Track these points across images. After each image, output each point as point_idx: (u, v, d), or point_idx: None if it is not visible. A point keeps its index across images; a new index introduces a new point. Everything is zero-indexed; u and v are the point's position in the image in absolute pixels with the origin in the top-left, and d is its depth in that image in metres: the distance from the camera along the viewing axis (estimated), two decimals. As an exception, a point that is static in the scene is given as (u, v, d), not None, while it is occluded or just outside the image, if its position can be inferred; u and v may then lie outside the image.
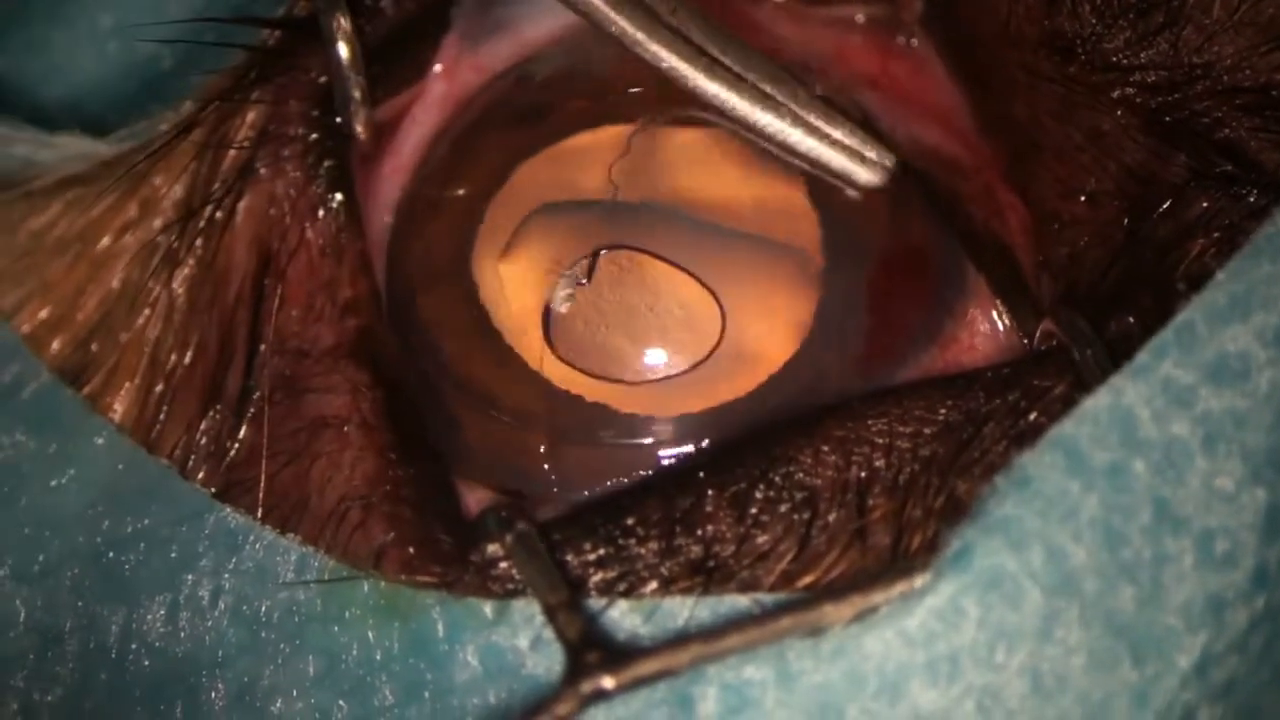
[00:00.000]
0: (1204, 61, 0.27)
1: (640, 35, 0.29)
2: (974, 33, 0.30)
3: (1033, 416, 0.27)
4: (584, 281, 0.30)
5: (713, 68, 0.29)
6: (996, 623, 0.24)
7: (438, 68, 0.32)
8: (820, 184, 0.30)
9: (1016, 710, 0.24)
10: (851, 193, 0.30)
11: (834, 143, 0.29)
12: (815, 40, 0.32)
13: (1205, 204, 0.27)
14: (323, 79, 0.30)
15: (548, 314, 0.30)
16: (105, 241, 0.30)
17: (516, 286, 0.30)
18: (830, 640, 0.25)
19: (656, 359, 0.30)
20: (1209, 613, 0.24)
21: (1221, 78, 0.27)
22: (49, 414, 0.29)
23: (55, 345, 0.30)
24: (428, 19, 0.31)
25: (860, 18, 0.32)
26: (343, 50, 0.29)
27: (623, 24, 0.29)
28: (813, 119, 0.29)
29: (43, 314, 0.30)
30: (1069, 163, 0.29)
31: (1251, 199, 0.27)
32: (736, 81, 0.29)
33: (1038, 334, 0.28)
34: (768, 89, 0.29)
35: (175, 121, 0.30)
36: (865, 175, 0.30)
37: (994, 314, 0.30)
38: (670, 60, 0.29)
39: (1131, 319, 0.27)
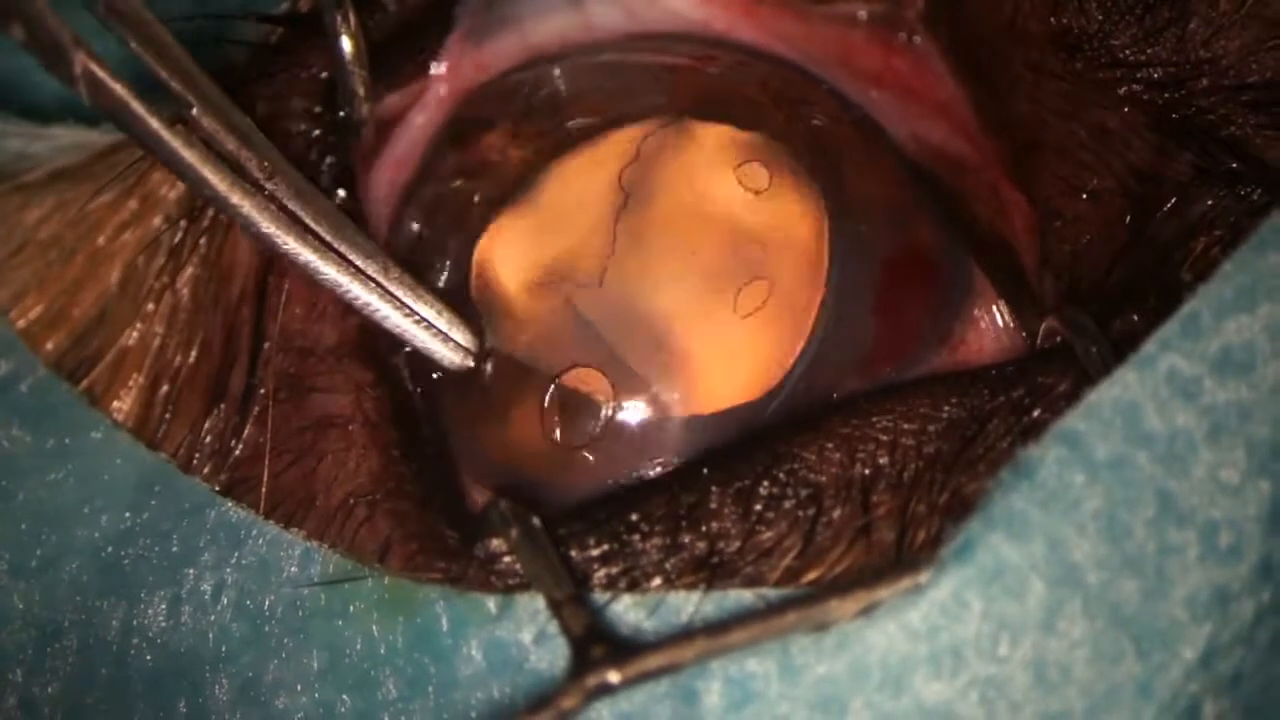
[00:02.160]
0: (1210, 56, 0.28)
1: (231, 197, 0.28)
2: (977, 29, 0.31)
3: (1037, 413, 0.28)
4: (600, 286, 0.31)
5: (304, 235, 0.29)
6: (1000, 615, 0.25)
7: (441, 65, 0.32)
8: (831, 186, 0.31)
9: (1020, 702, 0.25)
10: (867, 189, 0.31)
11: (419, 321, 0.30)
12: (818, 37, 0.32)
13: (1210, 201, 0.28)
14: (325, 75, 0.31)
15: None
16: (103, 238, 0.30)
17: (520, 283, 0.31)
18: (834, 633, 0.25)
19: (663, 358, 0.31)
20: (1214, 605, 0.25)
21: (1227, 73, 0.28)
22: (46, 409, 0.29)
23: (52, 341, 0.30)
24: (431, 16, 0.32)
25: (863, 14, 0.32)
26: (346, 45, 0.30)
27: (212, 183, 0.28)
28: (401, 295, 0.30)
29: (38, 309, 0.30)
30: (1072, 160, 0.30)
31: (1255, 197, 0.28)
32: (325, 251, 0.29)
33: (1041, 331, 0.29)
34: (358, 261, 0.29)
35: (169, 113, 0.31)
36: (449, 355, 0.30)
37: (998, 314, 0.31)
38: (258, 224, 0.29)
39: (1135, 316, 0.28)
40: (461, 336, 0.30)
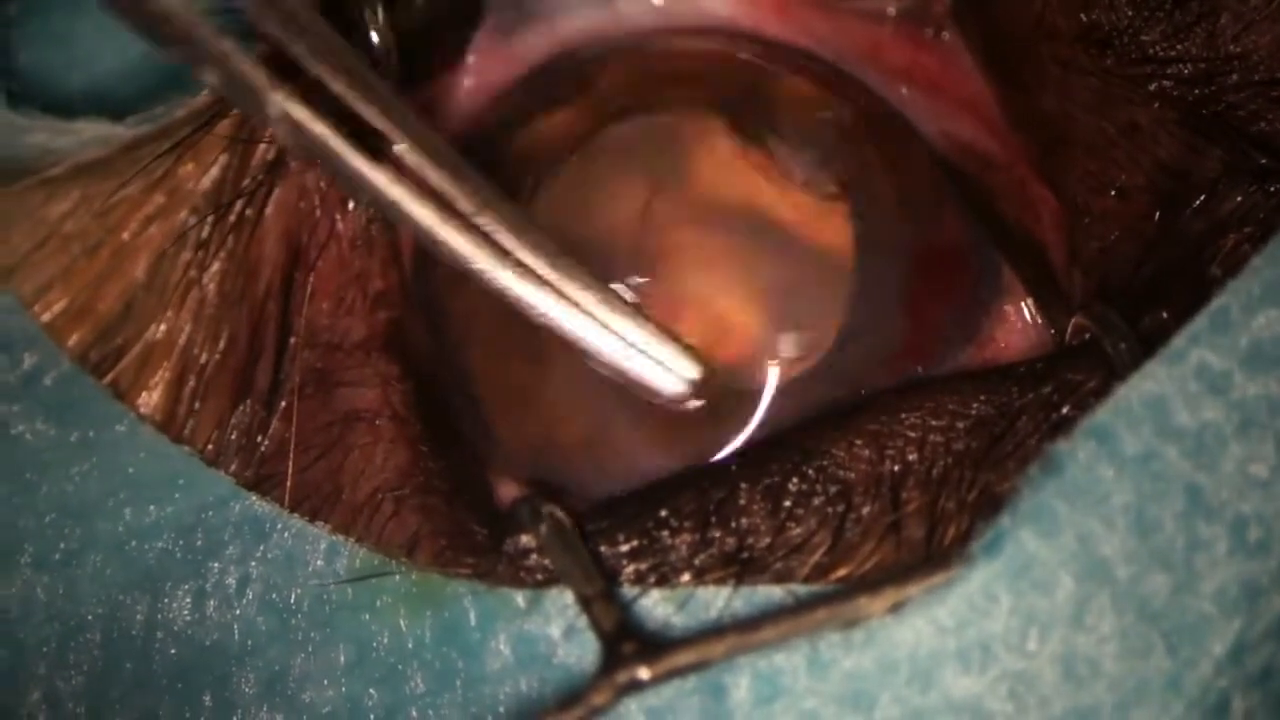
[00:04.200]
0: (1240, 52, 0.29)
1: (439, 231, 0.29)
2: (1006, 26, 0.31)
3: (1065, 410, 0.28)
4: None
5: (520, 268, 0.29)
6: (1029, 610, 0.26)
7: (470, 59, 0.33)
8: (857, 180, 0.32)
9: (1049, 697, 0.26)
10: (892, 184, 0.32)
11: (639, 350, 0.30)
12: (847, 34, 0.33)
13: (1239, 198, 0.29)
14: (354, 69, 0.32)
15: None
16: (128, 232, 0.31)
17: None
18: (862, 628, 0.26)
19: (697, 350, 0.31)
20: (1243, 599, 0.25)
21: (1258, 68, 0.29)
22: (70, 403, 0.30)
23: (76, 335, 0.31)
24: (460, 11, 0.33)
25: (891, 11, 0.33)
26: (377, 40, 0.30)
27: (422, 220, 0.29)
28: (618, 324, 0.30)
29: (63, 303, 0.31)
30: (1101, 156, 0.30)
31: (1285, 193, 0.29)
32: (541, 284, 0.29)
33: (1070, 328, 0.30)
34: (574, 293, 0.29)
35: (193, 108, 0.31)
36: (669, 385, 0.30)
37: (1027, 310, 0.31)
38: (475, 260, 0.29)
39: (1164, 313, 0.28)
40: (683, 366, 0.30)
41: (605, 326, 0.30)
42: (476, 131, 0.33)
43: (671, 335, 0.30)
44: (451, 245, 0.29)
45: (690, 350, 0.30)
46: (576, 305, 0.29)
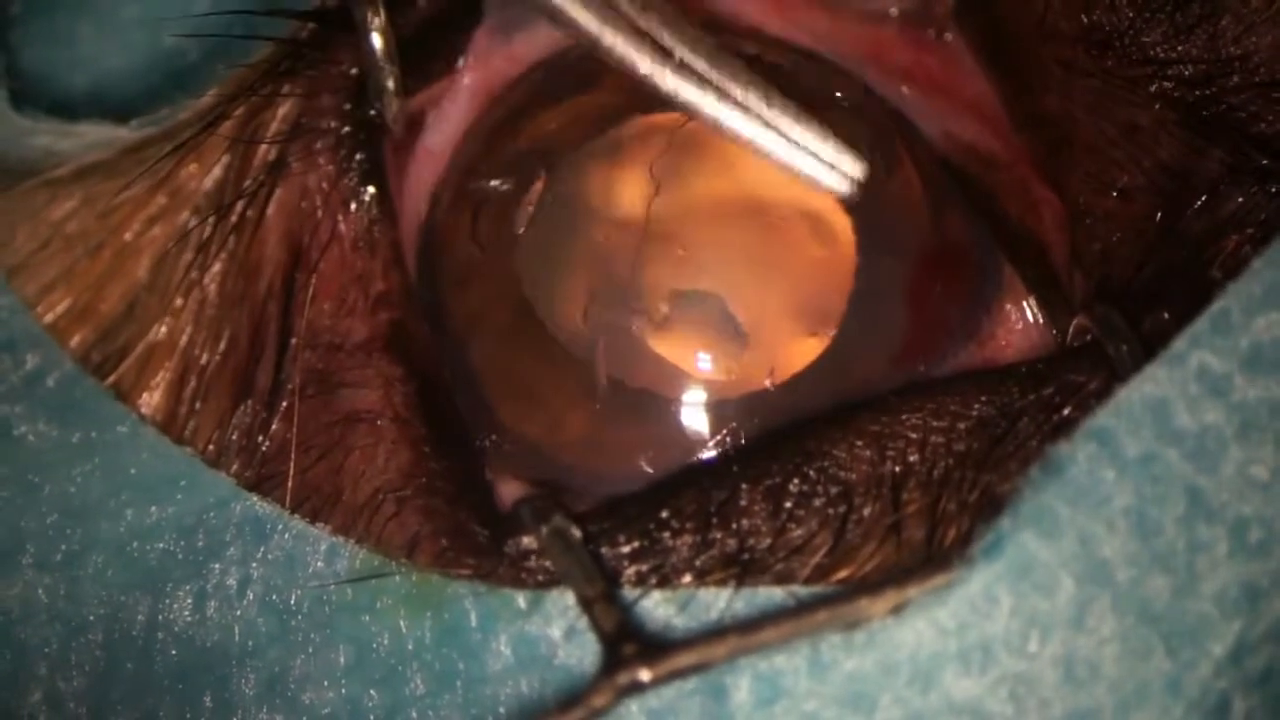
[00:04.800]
0: (1241, 53, 0.29)
1: (603, 35, 0.30)
2: (1008, 26, 0.32)
3: (1067, 411, 0.28)
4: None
5: (681, 70, 0.30)
6: (1029, 611, 0.26)
7: (470, 59, 0.33)
8: (859, 181, 0.31)
9: (1049, 699, 0.26)
10: (892, 184, 0.32)
11: (803, 149, 0.30)
12: (849, 34, 0.33)
13: (1240, 199, 0.29)
14: (354, 71, 0.31)
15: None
16: (131, 233, 0.31)
17: (561, 278, 0.32)
18: (863, 629, 0.26)
19: (698, 350, 0.32)
20: (1243, 601, 0.26)
21: (1259, 70, 0.29)
22: (72, 403, 0.30)
23: (79, 336, 0.31)
24: (460, 10, 0.33)
25: (894, 11, 0.33)
26: (377, 41, 0.31)
27: (585, 23, 0.29)
28: (783, 124, 0.30)
29: (65, 304, 0.31)
30: (1102, 157, 0.30)
31: (1286, 194, 0.29)
32: (703, 84, 0.30)
33: (1071, 329, 0.30)
34: (737, 93, 0.30)
35: (197, 110, 0.31)
36: (833, 184, 0.31)
37: (1028, 310, 0.32)
38: (635, 61, 0.30)
39: (1166, 314, 0.28)
40: (845, 164, 0.31)
41: (771, 127, 0.30)
42: (477, 131, 0.33)
43: (836, 134, 0.31)
44: (618, 52, 0.29)
45: (854, 150, 0.31)
46: (742, 106, 0.30)
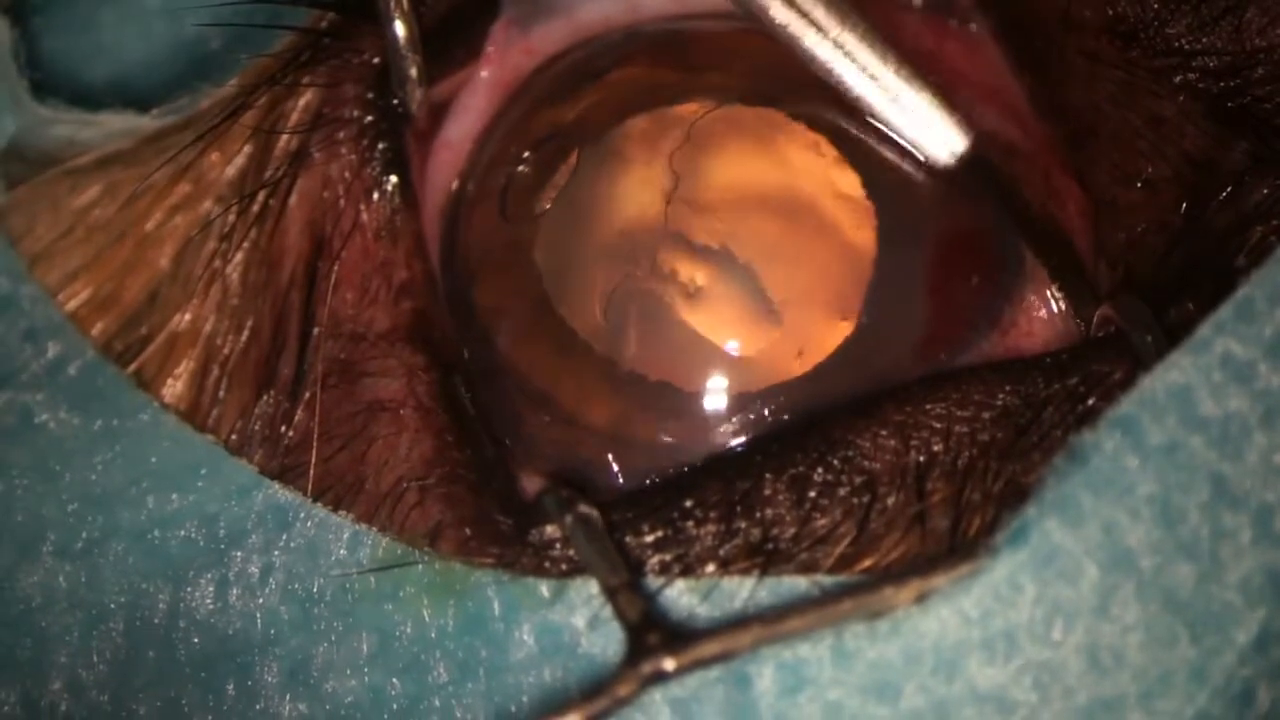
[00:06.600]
0: (1266, 45, 0.30)
1: None
2: (1032, 17, 0.32)
3: (1091, 401, 0.29)
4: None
5: (801, 17, 0.30)
6: (1053, 600, 0.26)
7: (489, 50, 0.33)
8: (877, 169, 0.32)
9: (1073, 687, 0.26)
10: (913, 173, 0.32)
11: (911, 113, 0.31)
12: (871, 20, 0.34)
13: (1265, 190, 0.29)
14: (376, 60, 0.32)
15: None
16: (153, 222, 0.32)
17: (582, 268, 0.32)
18: (887, 618, 0.27)
19: (721, 340, 0.32)
20: (1268, 588, 0.26)
21: (1284, 61, 0.29)
22: (94, 391, 0.31)
23: (101, 324, 0.32)
24: (480, 2, 0.33)
25: (917, 0, 0.34)
26: (400, 29, 0.31)
27: None
28: (895, 84, 0.30)
29: (87, 292, 0.32)
30: (1126, 148, 0.31)
31: (1311, 185, 0.29)
32: (822, 34, 0.30)
33: (1095, 319, 0.30)
34: (851, 46, 0.30)
35: (219, 99, 0.32)
36: (938, 152, 0.31)
37: (1052, 299, 0.32)
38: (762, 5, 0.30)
39: (1191, 305, 0.29)
40: (954, 137, 0.31)
41: (882, 86, 0.30)
42: (498, 121, 0.33)
43: (946, 103, 0.31)
44: None
45: (959, 118, 0.31)
46: (855, 60, 0.30)
